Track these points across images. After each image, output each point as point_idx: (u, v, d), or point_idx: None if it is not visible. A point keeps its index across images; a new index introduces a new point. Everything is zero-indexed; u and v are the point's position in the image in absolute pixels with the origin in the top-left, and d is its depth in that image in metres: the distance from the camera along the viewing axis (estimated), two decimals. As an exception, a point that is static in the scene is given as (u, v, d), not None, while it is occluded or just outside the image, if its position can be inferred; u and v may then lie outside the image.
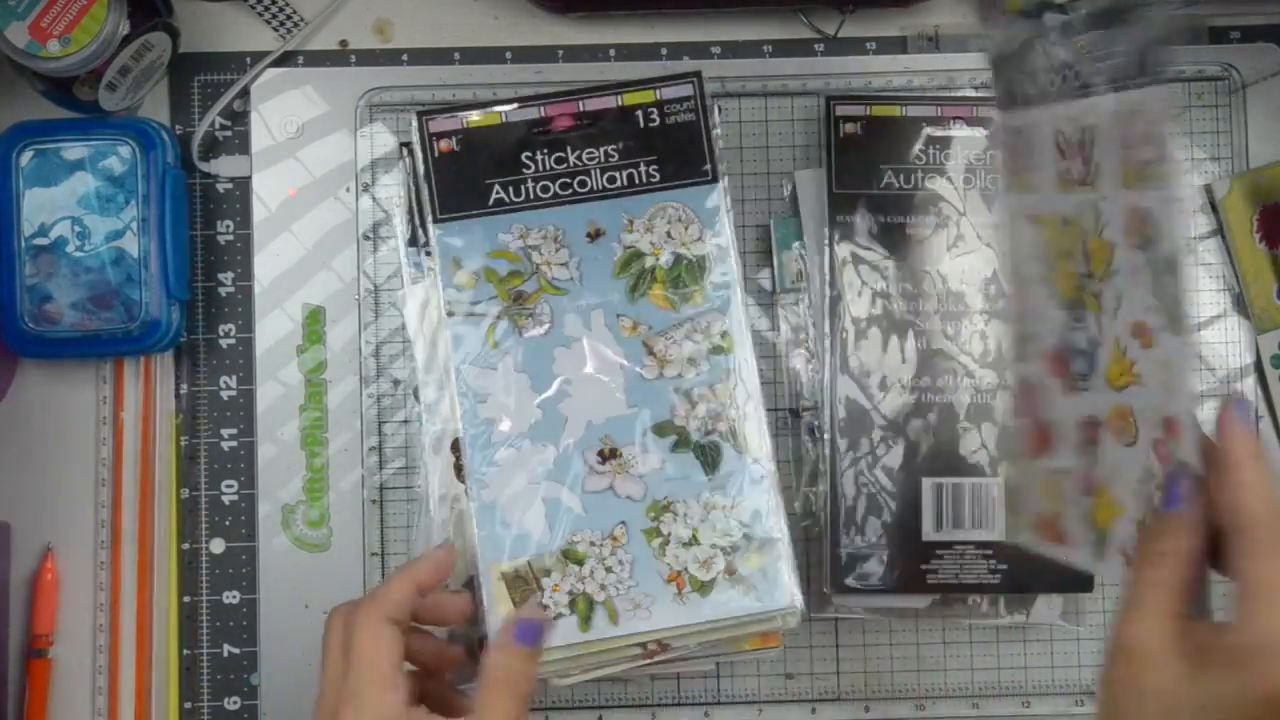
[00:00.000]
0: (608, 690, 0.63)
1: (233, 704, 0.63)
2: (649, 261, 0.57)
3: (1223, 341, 0.64)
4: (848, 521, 0.60)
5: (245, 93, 0.64)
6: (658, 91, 0.58)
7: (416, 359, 0.61)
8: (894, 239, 0.61)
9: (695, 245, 0.57)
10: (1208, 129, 0.65)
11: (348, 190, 0.64)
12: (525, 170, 0.57)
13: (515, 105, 0.58)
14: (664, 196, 0.57)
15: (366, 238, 0.64)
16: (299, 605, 0.63)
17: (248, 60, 0.65)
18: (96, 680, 0.63)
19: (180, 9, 0.62)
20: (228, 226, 0.64)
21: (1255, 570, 0.41)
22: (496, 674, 0.49)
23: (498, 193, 0.57)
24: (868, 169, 0.61)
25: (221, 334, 0.64)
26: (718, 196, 0.57)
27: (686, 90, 0.58)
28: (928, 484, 0.60)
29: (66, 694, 0.63)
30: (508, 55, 0.65)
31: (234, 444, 0.64)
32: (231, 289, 0.64)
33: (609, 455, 0.55)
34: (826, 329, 0.60)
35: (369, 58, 0.65)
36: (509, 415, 0.56)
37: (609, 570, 0.54)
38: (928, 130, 0.61)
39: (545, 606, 0.54)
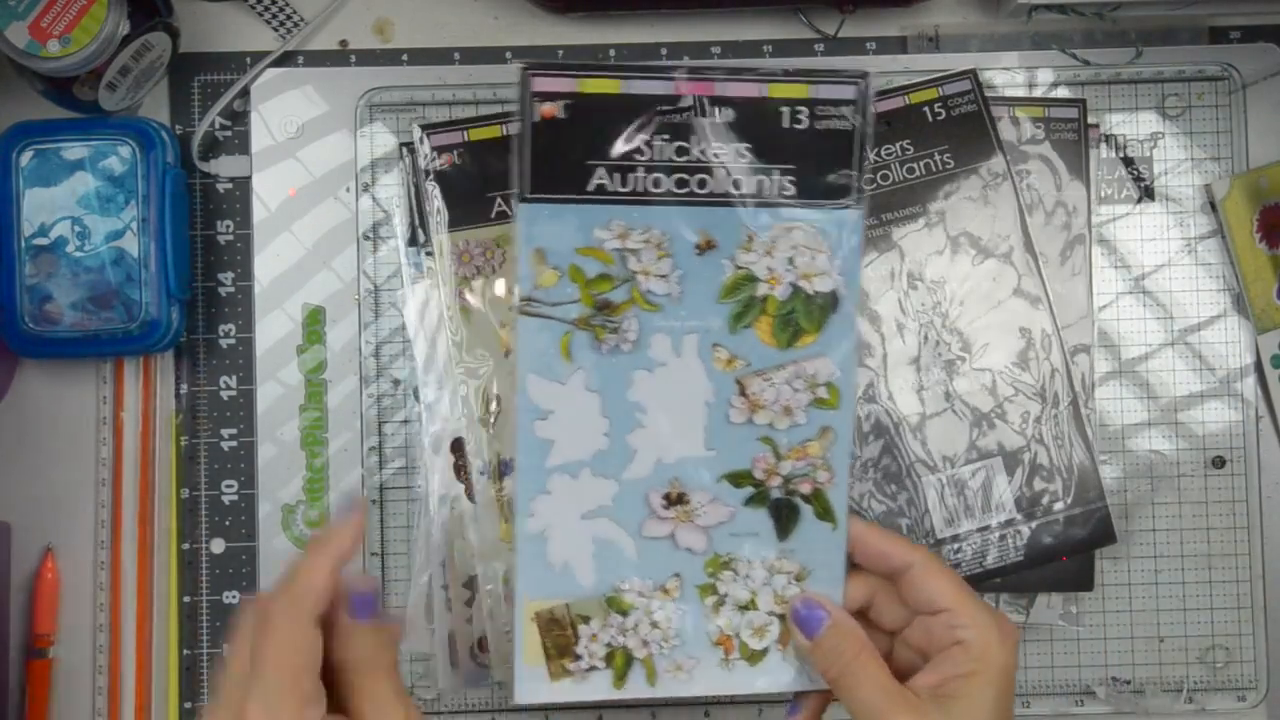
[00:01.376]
0: (608, 690, 0.63)
1: (233, 704, 0.63)
2: (762, 289, 0.49)
3: (1223, 341, 0.64)
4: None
5: (245, 93, 0.64)
6: (813, 88, 0.49)
7: (416, 359, 0.61)
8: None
9: (820, 280, 0.49)
10: (1208, 129, 0.65)
11: (348, 190, 0.64)
12: (639, 156, 0.48)
13: (641, 76, 0.48)
14: (794, 215, 0.49)
15: (366, 238, 0.64)
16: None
17: (248, 60, 0.65)
18: (96, 680, 0.63)
19: (180, 9, 0.62)
20: (228, 226, 0.64)
21: (937, 584, 0.48)
22: (347, 656, 0.44)
23: (600, 178, 0.48)
24: None
25: (221, 334, 0.64)
26: (857, 225, 0.49)
27: (848, 93, 0.49)
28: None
29: (66, 694, 0.63)
30: (508, 55, 0.65)
31: (234, 444, 0.64)
32: (231, 289, 0.64)
33: (675, 500, 0.49)
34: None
35: (369, 58, 0.65)
36: (570, 439, 0.49)
37: (655, 625, 0.49)
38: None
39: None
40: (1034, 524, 0.60)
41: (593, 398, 0.49)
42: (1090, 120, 0.63)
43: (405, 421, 0.63)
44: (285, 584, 0.43)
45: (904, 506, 0.60)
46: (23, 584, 0.63)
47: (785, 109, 0.49)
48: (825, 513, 0.50)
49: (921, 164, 0.61)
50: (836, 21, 0.65)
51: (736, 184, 0.49)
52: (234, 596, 0.63)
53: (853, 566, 0.51)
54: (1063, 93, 0.64)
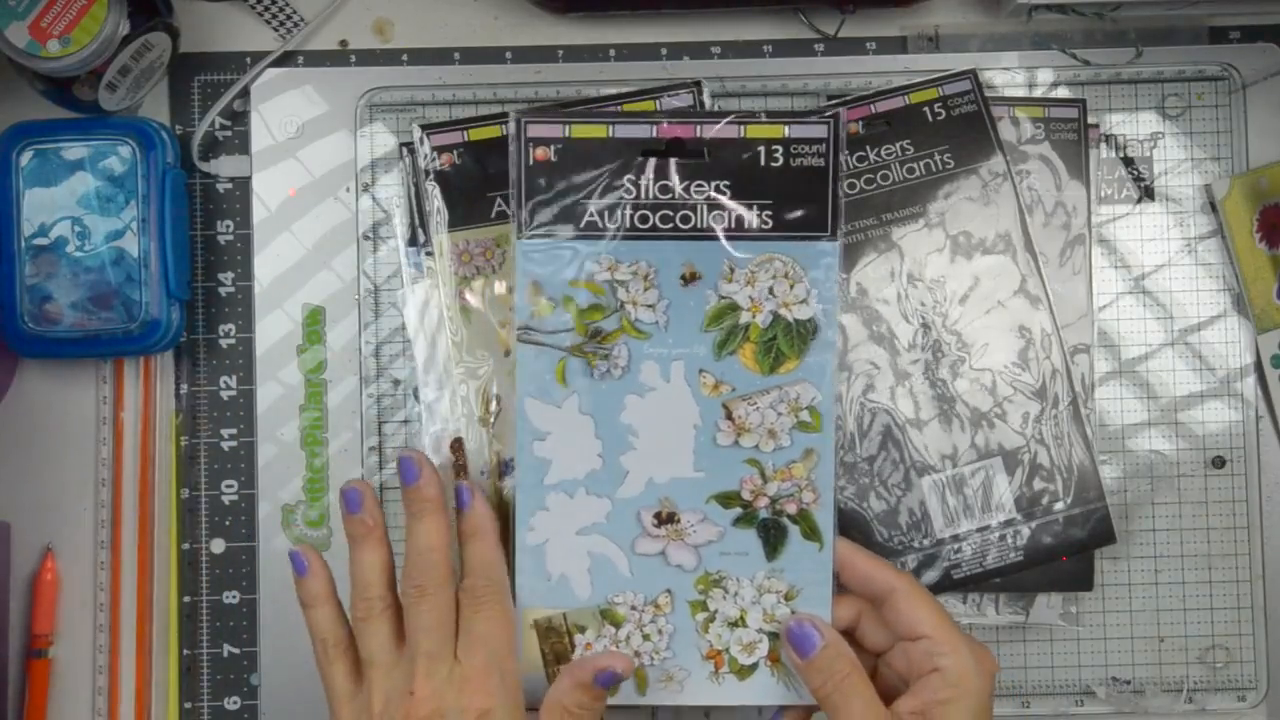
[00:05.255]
0: (608, 690, 0.63)
1: (233, 704, 0.63)
2: (744, 318, 0.52)
3: (1223, 341, 0.64)
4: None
5: (245, 93, 0.64)
6: (787, 128, 0.52)
7: (416, 359, 0.61)
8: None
9: (799, 308, 0.52)
10: (1208, 129, 0.65)
11: (348, 190, 0.64)
12: (626, 195, 0.52)
13: (625, 121, 0.53)
14: (773, 247, 0.52)
15: (366, 238, 0.64)
16: (299, 605, 0.63)
17: (248, 60, 0.65)
18: (96, 680, 0.63)
19: (180, 9, 0.62)
20: (228, 226, 0.64)
21: (918, 613, 0.50)
22: (568, 704, 0.49)
23: (591, 215, 0.52)
24: None
25: (221, 334, 0.64)
26: (833, 256, 0.52)
27: (820, 132, 0.52)
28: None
29: (66, 694, 0.63)
30: (508, 55, 0.65)
31: (234, 444, 0.64)
32: (231, 289, 0.64)
33: (666, 519, 0.52)
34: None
35: (369, 58, 0.65)
36: (566, 459, 0.52)
37: (646, 638, 0.52)
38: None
39: (635, 653, 0.51)
40: (1034, 524, 0.60)
41: (587, 420, 0.52)
42: (1090, 120, 0.63)
43: (405, 421, 0.63)
44: (487, 571, 0.51)
45: (903, 506, 0.60)
46: (23, 584, 0.63)
47: (762, 148, 0.52)
48: (812, 533, 0.52)
49: (921, 164, 0.61)
50: (836, 21, 0.65)
51: (718, 218, 0.52)
52: (234, 596, 0.63)
53: (840, 588, 0.53)
54: (1063, 93, 0.64)
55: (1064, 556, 0.60)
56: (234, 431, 0.64)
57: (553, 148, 0.52)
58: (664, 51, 0.65)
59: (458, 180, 0.60)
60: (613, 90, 0.62)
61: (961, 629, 0.51)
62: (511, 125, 0.53)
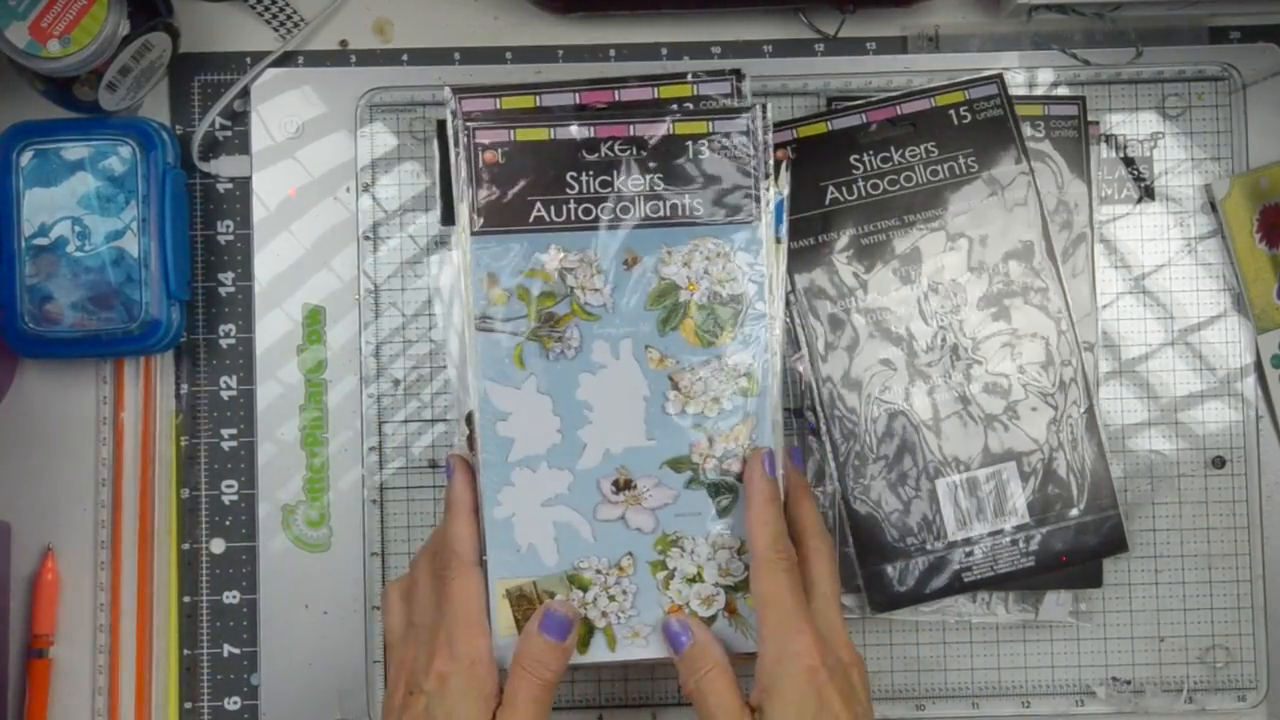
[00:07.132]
0: (608, 690, 0.63)
1: (233, 704, 0.63)
2: (683, 295, 0.56)
3: (1223, 341, 0.64)
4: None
5: (245, 93, 0.64)
6: (711, 123, 0.56)
7: (450, 342, 0.62)
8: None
9: (731, 284, 0.56)
10: (1208, 129, 0.65)
11: (348, 190, 0.64)
12: (569, 190, 0.56)
13: (565, 123, 0.56)
14: (704, 231, 0.56)
15: (366, 238, 0.64)
16: (299, 605, 0.63)
17: (248, 60, 0.65)
18: (96, 680, 0.63)
19: (180, 9, 0.62)
20: (228, 226, 0.64)
21: (758, 587, 0.52)
22: (522, 660, 0.52)
23: (538, 211, 0.56)
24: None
25: (221, 334, 0.64)
26: (759, 237, 0.56)
27: (741, 124, 0.56)
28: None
29: (66, 694, 0.63)
30: (508, 55, 0.65)
31: (234, 444, 0.64)
32: (231, 289, 0.64)
33: (623, 486, 0.55)
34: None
35: (369, 58, 0.65)
36: (528, 436, 0.55)
37: (612, 599, 0.55)
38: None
39: (579, 610, 0.54)
40: (1046, 530, 0.60)
41: (545, 399, 0.55)
42: (1090, 118, 0.63)
43: (405, 421, 0.63)
44: (450, 543, 0.53)
45: (916, 507, 0.60)
46: (23, 584, 0.63)
47: (689, 143, 0.56)
48: None
49: (945, 166, 0.61)
50: (836, 21, 0.65)
51: (654, 208, 0.56)
52: (234, 596, 0.63)
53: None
54: (1063, 92, 0.64)
55: (1064, 558, 0.60)
56: (234, 431, 0.64)
57: (500, 150, 0.56)
58: (664, 51, 0.65)
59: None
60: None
61: (802, 612, 0.51)
62: (461, 132, 0.56)
